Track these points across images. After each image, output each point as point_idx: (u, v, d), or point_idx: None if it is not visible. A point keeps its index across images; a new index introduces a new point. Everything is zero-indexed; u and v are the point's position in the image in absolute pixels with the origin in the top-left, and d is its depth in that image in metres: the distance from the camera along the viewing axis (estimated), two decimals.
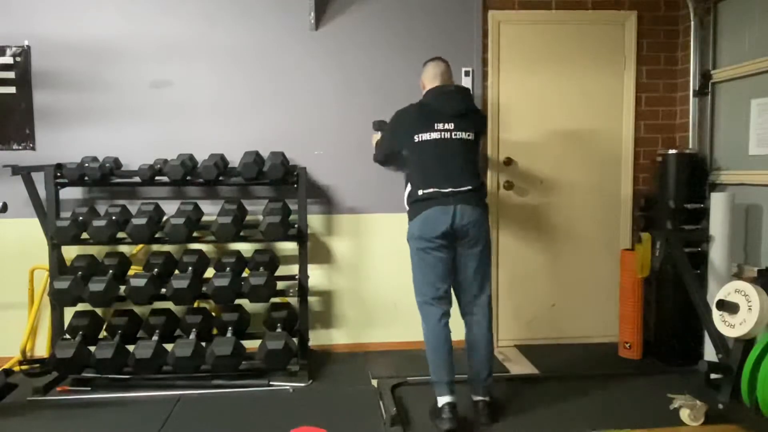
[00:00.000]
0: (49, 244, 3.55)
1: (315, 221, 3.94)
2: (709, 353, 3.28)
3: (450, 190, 2.84)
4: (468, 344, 2.98)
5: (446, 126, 2.90)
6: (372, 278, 4.00)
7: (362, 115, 3.85)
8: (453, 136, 2.90)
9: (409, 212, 2.99)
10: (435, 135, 2.90)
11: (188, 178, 3.60)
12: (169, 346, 3.39)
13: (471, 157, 2.95)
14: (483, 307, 2.95)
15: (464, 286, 2.94)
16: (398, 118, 3.09)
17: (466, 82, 3.93)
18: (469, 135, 2.93)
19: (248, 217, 3.72)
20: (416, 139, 2.92)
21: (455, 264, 2.91)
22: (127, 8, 3.78)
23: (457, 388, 2.88)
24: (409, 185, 3.00)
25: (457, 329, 3.04)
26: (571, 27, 4.02)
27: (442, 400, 2.85)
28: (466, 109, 2.98)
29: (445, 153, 2.89)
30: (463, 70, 3.93)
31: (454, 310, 2.97)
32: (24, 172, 3.51)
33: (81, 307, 3.49)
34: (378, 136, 3.43)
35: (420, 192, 2.88)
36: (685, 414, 2.85)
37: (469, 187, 2.87)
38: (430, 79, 3.09)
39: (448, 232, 2.83)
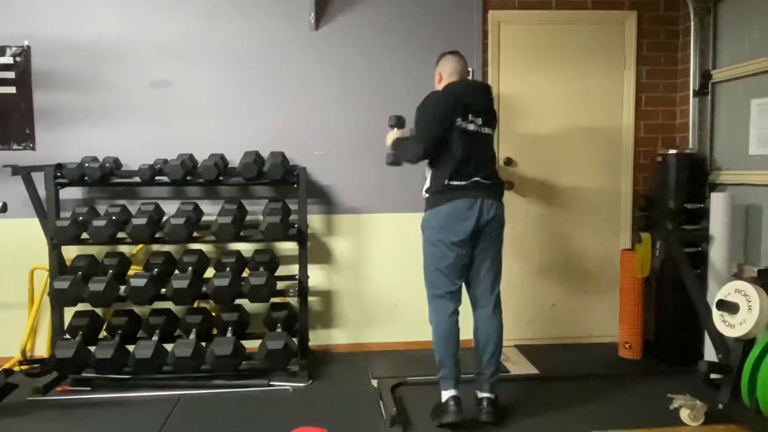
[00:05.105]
0: (49, 244, 3.54)
1: (315, 221, 3.94)
2: (709, 353, 3.28)
3: (478, 180, 2.84)
4: (478, 338, 2.95)
5: (477, 120, 2.89)
6: (372, 278, 3.99)
7: (362, 115, 3.86)
8: (482, 131, 2.91)
9: (430, 200, 2.92)
10: (471, 126, 2.87)
11: (188, 178, 3.60)
12: (169, 346, 3.39)
13: (492, 153, 3.00)
14: (496, 301, 2.96)
15: (479, 280, 2.94)
16: (438, 102, 2.93)
17: None
18: (490, 131, 2.96)
19: (248, 217, 3.72)
20: (457, 123, 2.85)
21: (472, 259, 2.90)
22: (127, 8, 3.78)
23: (461, 388, 2.87)
24: (434, 173, 2.92)
25: (463, 330, 3.05)
26: (571, 27, 4.02)
27: (447, 393, 2.84)
28: (491, 106, 3.01)
29: (475, 145, 2.87)
30: None
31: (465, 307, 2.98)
32: (24, 172, 3.50)
33: (81, 307, 3.49)
34: (395, 133, 3.17)
35: (447, 182, 2.84)
36: (685, 414, 2.85)
37: (495, 181, 2.92)
38: (449, 72, 3.03)
39: (475, 229, 2.83)
